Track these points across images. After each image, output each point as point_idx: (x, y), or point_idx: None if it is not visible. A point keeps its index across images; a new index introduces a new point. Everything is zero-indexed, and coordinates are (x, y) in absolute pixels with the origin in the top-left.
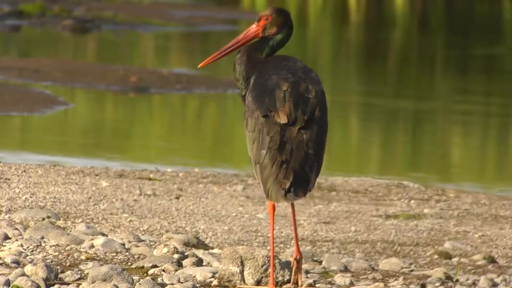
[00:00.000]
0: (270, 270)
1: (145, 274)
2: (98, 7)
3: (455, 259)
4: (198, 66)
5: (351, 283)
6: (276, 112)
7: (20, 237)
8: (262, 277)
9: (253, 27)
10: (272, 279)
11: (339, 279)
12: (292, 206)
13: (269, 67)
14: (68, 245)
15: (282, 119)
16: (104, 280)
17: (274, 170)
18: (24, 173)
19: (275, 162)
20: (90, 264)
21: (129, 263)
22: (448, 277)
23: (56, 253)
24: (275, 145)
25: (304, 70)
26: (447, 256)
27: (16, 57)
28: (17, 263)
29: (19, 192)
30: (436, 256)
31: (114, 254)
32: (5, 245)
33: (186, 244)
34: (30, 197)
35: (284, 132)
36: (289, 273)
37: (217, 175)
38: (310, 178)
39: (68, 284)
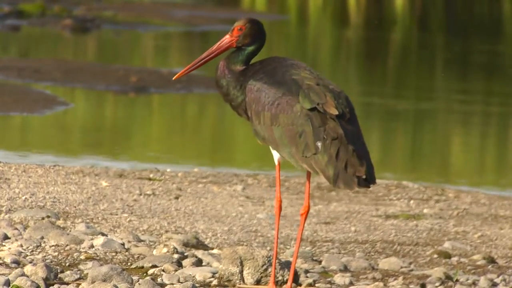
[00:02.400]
0: (269, 270)
1: (145, 274)
2: (98, 7)
3: (454, 259)
4: (173, 78)
5: (351, 283)
6: (325, 104)
7: (20, 237)
8: (261, 277)
9: (227, 38)
10: (273, 278)
11: (339, 279)
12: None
13: (275, 66)
14: (67, 245)
15: (333, 111)
16: (104, 280)
17: (342, 159)
18: (24, 173)
19: (340, 151)
20: (90, 264)
21: (128, 263)
22: (448, 277)
23: (56, 253)
24: (335, 135)
25: (308, 69)
26: (447, 255)
27: (16, 57)
28: (17, 263)
29: (19, 192)
30: (435, 256)
31: (113, 254)
32: (5, 245)
33: (186, 244)
34: (30, 197)
35: (340, 123)
36: (288, 273)
37: (216, 175)
38: (373, 165)
39: (67, 284)
